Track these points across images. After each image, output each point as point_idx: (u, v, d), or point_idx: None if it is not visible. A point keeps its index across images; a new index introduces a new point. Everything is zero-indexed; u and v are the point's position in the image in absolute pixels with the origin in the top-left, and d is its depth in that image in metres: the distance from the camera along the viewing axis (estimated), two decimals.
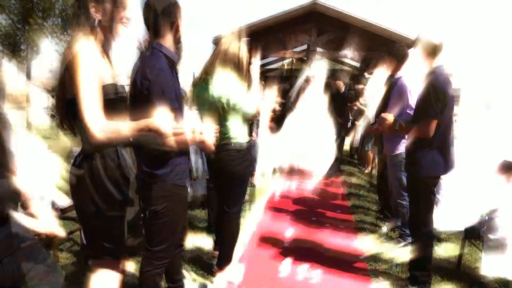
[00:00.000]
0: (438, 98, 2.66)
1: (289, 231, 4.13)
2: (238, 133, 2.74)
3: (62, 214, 3.30)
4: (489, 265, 2.82)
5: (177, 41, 2.07)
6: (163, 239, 2.07)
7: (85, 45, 1.62)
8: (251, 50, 2.89)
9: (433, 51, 2.79)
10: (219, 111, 2.68)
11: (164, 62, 1.96)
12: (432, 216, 2.96)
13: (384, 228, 4.23)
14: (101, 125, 1.57)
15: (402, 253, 3.55)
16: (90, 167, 1.67)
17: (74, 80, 1.57)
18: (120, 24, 1.74)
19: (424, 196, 2.84)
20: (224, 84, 2.65)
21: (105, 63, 1.72)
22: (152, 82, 1.88)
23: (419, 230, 2.89)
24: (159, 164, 1.99)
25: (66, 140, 1.79)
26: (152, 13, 1.99)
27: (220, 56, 2.71)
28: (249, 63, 2.81)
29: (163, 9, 1.98)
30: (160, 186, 1.99)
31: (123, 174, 1.72)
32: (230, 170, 2.75)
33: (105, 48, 1.76)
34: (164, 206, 2.00)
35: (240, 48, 2.71)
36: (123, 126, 1.63)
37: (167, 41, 2.02)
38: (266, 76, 10.86)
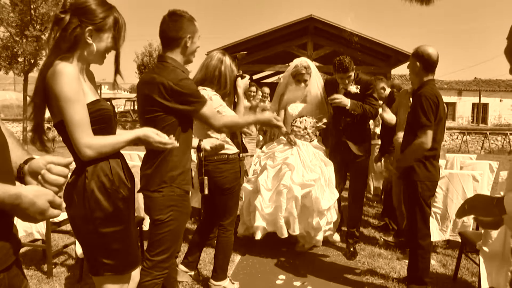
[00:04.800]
0: (432, 109, 2.73)
1: (283, 243, 4.11)
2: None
3: (57, 227, 3.28)
4: (486, 278, 2.81)
5: (189, 54, 2.14)
6: (166, 248, 2.07)
7: (67, 66, 1.59)
8: (239, 64, 2.96)
9: (429, 65, 2.87)
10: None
11: (181, 72, 2.03)
12: (429, 228, 2.98)
13: (380, 242, 4.22)
14: (91, 144, 1.59)
15: (398, 266, 3.54)
16: (83, 184, 1.64)
17: (58, 103, 1.56)
18: (107, 53, 1.74)
19: (420, 205, 2.87)
20: (205, 95, 2.72)
21: (84, 81, 1.70)
22: (182, 91, 1.98)
23: (416, 243, 2.90)
24: (168, 168, 2.02)
25: (62, 153, 1.77)
26: (164, 26, 2.08)
27: (202, 70, 2.81)
28: (235, 77, 2.85)
29: (174, 23, 2.05)
30: (166, 195, 2.02)
31: (117, 189, 1.71)
32: (217, 182, 2.77)
33: (86, 66, 1.75)
34: (170, 215, 2.03)
35: (222, 61, 2.76)
36: (114, 140, 1.67)
37: (178, 55, 2.10)
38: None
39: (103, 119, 1.70)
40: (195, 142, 2.67)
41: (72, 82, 1.57)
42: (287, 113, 4.07)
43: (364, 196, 4.19)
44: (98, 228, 1.67)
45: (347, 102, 3.58)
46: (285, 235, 3.52)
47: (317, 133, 3.94)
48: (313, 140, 3.93)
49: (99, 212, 1.66)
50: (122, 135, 1.74)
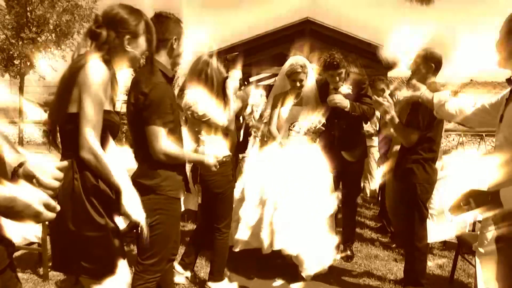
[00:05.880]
0: (426, 112, 2.73)
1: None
2: (213, 147, 2.75)
3: (49, 219, 3.26)
4: (483, 280, 2.82)
5: (176, 56, 2.13)
6: (155, 252, 2.06)
7: (104, 68, 1.64)
8: (228, 65, 2.98)
9: (439, 67, 2.90)
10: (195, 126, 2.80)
11: (160, 76, 2.00)
12: (426, 230, 2.99)
13: (377, 244, 4.22)
14: (94, 147, 1.59)
15: (395, 268, 3.54)
16: (72, 185, 1.63)
17: (84, 97, 1.58)
18: (139, 60, 1.82)
19: (418, 207, 2.88)
20: (191, 97, 2.74)
21: (109, 89, 1.74)
22: (148, 95, 1.92)
23: (413, 245, 2.90)
24: (151, 175, 2.01)
25: (58, 156, 1.76)
26: (150, 29, 2.05)
27: (190, 72, 2.81)
28: (224, 78, 2.84)
29: (160, 25, 2.04)
30: (152, 198, 2.00)
31: (102, 194, 1.69)
32: (209, 186, 2.79)
33: (114, 75, 1.80)
34: (156, 219, 2.01)
35: (208, 64, 2.76)
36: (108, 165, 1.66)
37: (163, 57, 2.08)
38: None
39: (104, 130, 1.71)
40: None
41: (104, 83, 1.62)
42: (280, 117, 3.70)
43: (360, 198, 4.16)
44: (81, 231, 1.64)
45: (346, 103, 3.41)
46: (267, 250, 3.16)
47: (317, 139, 3.65)
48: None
49: (84, 215, 1.64)
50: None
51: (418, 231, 2.90)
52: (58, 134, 1.74)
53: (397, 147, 3.69)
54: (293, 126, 3.57)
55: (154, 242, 2.04)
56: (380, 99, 2.83)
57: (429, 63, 2.86)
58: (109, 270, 1.77)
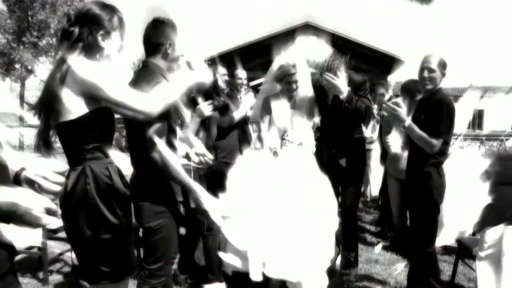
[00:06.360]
0: (450, 117, 2.72)
1: None
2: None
3: (53, 234, 3.26)
4: (483, 284, 2.81)
5: (170, 60, 2.12)
6: (160, 256, 2.06)
7: (87, 61, 1.65)
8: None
9: (444, 70, 2.86)
10: None
11: (161, 78, 2.00)
12: (436, 235, 2.98)
13: (377, 249, 4.22)
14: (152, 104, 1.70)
15: (395, 272, 3.54)
16: (84, 190, 1.65)
17: (100, 92, 1.61)
18: (117, 53, 1.81)
19: (433, 212, 2.85)
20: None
21: None
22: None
23: (424, 250, 2.88)
24: (150, 178, 2.01)
25: (58, 161, 1.77)
26: (146, 32, 2.08)
27: None
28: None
29: (155, 30, 2.05)
30: (153, 202, 2.00)
31: (116, 196, 1.71)
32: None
33: None
34: (159, 222, 2.01)
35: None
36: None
37: (159, 59, 2.08)
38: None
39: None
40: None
41: (100, 69, 1.63)
42: (272, 122, 3.26)
43: (360, 202, 4.03)
44: (98, 235, 1.67)
45: (343, 89, 2.96)
46: (259, 278, 2.54)
47: (313, 149, 3.23)
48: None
49: (98, 218, 1.66)
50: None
51: (429, 235, 2.88)
52: (56, 140, 1.74)
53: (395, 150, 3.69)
54: (287, 135, 3.16)
55: (159, 245, 2.04)
56: (392, 105, 2.70)
57: (443, 71, 2.84)
58: (127, 270, 1.79)
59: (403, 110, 2.72)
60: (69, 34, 1.68)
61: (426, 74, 2.79)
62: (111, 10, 1.76)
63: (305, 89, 3.24)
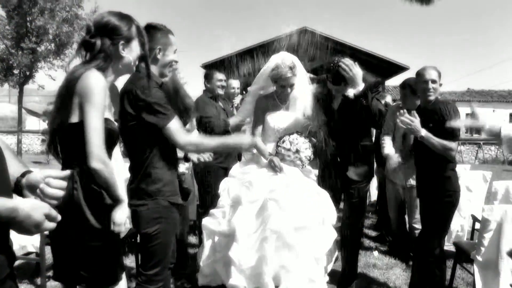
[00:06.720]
0: (459, 119, 2.76)
1: None
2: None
3: (50, 228, 3.25)
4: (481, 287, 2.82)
5: (161, 66, 2.14)
6: (157, 261, 2.06)
7: (100, 76, 1.67)
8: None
9: (441, 80, 2.94)
10: None
11: (152, 81, 2.00)
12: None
13: (375, 253, 4.22)
14: (103, 157, 1.64)
15: (393, 277, 3.54)
16: (70, 195, 1.64)
17: (86, 107, 1.62)
18: (135, 63, 1.86)
19: (449, 217, 2.87)
20: None
21: (108, 97, 1.77)
22: (146, 99, 1.93)
23: (430, 254, 2.88)
24: (151, 181, 2.01)
25: (57, 165, 1.78)
26: (141, 33, 2.09)
27: None
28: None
29: (147, 33, 2.04)
30: (151, 207, 2.01)
31: (103, 203, 1.71)
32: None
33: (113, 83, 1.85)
34: (156, 228, 2.02)
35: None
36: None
37: (152, 64, 2.10)
38: None
39: (105, 138, 1.73)
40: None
41: (103, 91, 1.65)
42: (266, 125, 2.98)
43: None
44: (81, 240, 1.67)
45: (360, 82, 2.77)
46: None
47: (311, 157, 2.90)
48: (305, 166, 2.90)
49: (82, 223, 1.66)
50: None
51: (437, 240, 2.90)
52: (58, 144, 1.76)
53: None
54: (282, 142, 2.86)
55: (156, 251, 2.05)
56: (408, 119, 2.68)
57: (440, 81, 2.93)
58: (108, 279, 1.78)
59: (417, 121, 2.71)
60: (91, 45, 1.72)
61: (430, 85, 2.86)
62: (129, 20, 1.82)
63: (302, 91, 3.00)
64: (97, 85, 1.63)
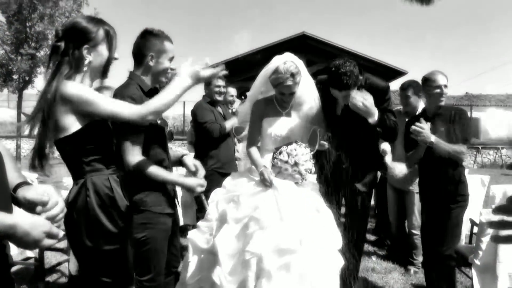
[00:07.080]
0: (469, 123, 2.83)
1: None
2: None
3: (50, 245, 3.26)
4: None
5: (154, 73, 2.10)
6: (148, 267, 2.06)
7: (76, 83, 1.68)
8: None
9: None
10: None
11: (135, 90, 2.00)
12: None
13: (373, 258, 4.23)
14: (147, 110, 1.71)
15: (392, 281, 3.54)
16: (85, 202, 1.67)
17: (87, 108, 1.64)
18: (110, 65, 1.83)
19: (461, 221, 2.90)
20: None
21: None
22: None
23: (453, 256, 2.89)
24: (136, 189, 2.00)
25: (56, 172, 1.79)
26: (134, 43, 2.12)
27: None
28: None
29: (142, 39, 2.08)
30: (138, 213, 1.99)
31: (117, 207, 1.73)
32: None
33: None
34: (144, 234, 2.01)
35: None
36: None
37: (144, 71, 2.09)
38: None
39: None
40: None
41: (86, 88, 1.68)
42: (263, 132, 2.69)
43: None
44: (99, 246, 1.69)
45: (373, 111, 2.56)
46: None
47: (312, 169, 2.52)
48: (305, 180, 2.50)
49: (99, 230, 1.68)
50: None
51: (454, 244, 2.91)
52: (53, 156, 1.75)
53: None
54: (279, 153, 2.48)
55: (146, 257, 2.04)
56: (418, 127, 2.64)
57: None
58: (128, 281, 1.80)
59: (426, 128, 2.67)
60: (57, 49, 1.70)
61: (444, 90, 2.88)
62: (97, 23, 1.77)
63: (307, 94, 2.73)
64: (79, 88, 1.65)
